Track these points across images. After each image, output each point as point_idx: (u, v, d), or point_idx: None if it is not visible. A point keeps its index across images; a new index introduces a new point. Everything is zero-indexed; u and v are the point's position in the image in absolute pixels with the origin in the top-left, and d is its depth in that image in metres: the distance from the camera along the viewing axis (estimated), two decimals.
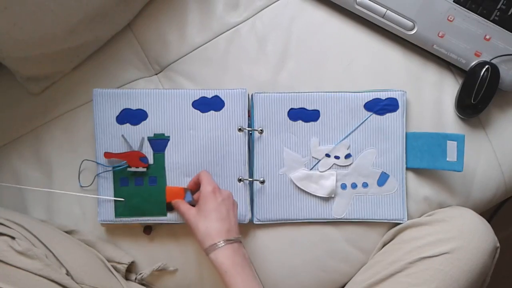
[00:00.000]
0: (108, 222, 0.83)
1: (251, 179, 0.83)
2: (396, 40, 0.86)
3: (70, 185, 0.85)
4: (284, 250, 0.84)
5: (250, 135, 0.83)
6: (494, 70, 0.81)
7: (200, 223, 0.72)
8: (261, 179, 0.83)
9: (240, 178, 0.82)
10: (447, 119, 0.84)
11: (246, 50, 0.87)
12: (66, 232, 0.83)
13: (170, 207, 0.81)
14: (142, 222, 0.83)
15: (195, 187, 0.80)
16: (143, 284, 0.84)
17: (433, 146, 0.80)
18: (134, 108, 0.82)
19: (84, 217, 0.85)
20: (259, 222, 0.84)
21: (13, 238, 0.72)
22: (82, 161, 0.85)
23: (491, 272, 0.77)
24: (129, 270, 0.84)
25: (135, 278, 0.83)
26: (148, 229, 0.84)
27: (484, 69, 0.81)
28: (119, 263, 0.81)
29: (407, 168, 0.83)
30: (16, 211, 0.81)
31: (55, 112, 0.87)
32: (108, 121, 0.82)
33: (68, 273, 0.73)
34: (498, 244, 0.76)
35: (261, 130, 0.83)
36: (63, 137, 0.87)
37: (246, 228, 0.84)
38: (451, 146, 0.78)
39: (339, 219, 0.83)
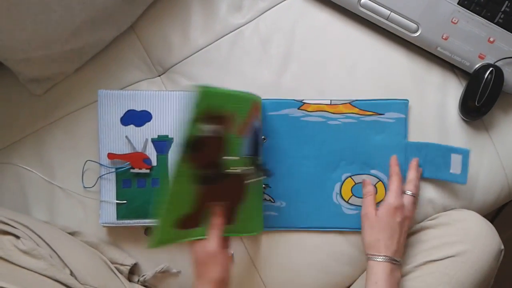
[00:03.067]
0: (110, 225, 0.82)
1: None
2: (399, 42, 0.86)
3: (72, 186, 0.85)
4: (288, 252, 0.84)
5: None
6: (498, 73, 0.80)
7: (374, 231, 0.73)
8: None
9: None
10: (451, 122, 0.84)
11: (249, 52, 0.87)
12: (69, 233, 0.83)
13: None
14: (144, 224, 0.82)
15: None
16: (146, 286, 0.84)
17: (436, 157, 0.80)
18: (138, 109, 0.82)
19: (86, 219, 0.85)
20: (265, 229, 0.84)
21: (17, 237, 0.72)
22: (86, 162, 0.84)
23: (495, 274, 0.76)
24: (132, 272, 0.84)
25: (138, 280, 0.83)
26: (149, 231, 0.84)
27: (488, 71, 0.80)
28: (122, 264, 0.81)
29: None
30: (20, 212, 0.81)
31: (58, 114, 0.87)
32: (112, 122, 0.82)
33: (72, 274, 0.73)
34: (502, 247, 0.76)
35: (263, 138, 0.82)
36: (65, 139, 0.86)
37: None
38: (456, 159, 0.79)
39: (350, 228, 0.83)
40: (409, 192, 0.76)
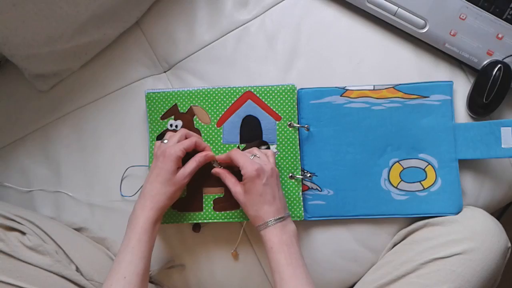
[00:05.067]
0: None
1: (302, 176, 0.82)
2: (407, 38, 0.85)
3: (77, 182, 0.85)
4: None
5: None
6: (506, 69, 0.80)
7: (249, 206, 0.73)
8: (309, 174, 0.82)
9: (291, 175, 0.81)
10: (459, 119, 0.84)
11: (255, 48, 0.87)
12: (75, 229, 0.83)
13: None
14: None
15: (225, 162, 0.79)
16: (151, 282, 0.84)
17: (485, 135, 0.78)
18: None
19: (92, 215, 0.85)
20: (313, 219, 0.83)
21: (23, 233, 0.72)
22: (127, 168, 0.85)
23: (502, 271, 0.76)
24: None
25: None
26: (197, 227, 0.84)
27: (496, 68, 0.80)
28: None
29: (459, 160, 0.81)
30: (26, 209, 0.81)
31: (64, 110, 0.87)
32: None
33: (77, 269, 0.74)
34: (509, 244, 0.75)
35: (307, 127, 0.82)
36: (71, 135, 0.87)
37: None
38: (506, 132, 0.76)
39: (400, 215, 0.82)
40: (256, 154, 0.75)
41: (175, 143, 0.74)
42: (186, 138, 0.77)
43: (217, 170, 0.79)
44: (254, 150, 0.77)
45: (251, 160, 0.73)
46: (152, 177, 0.73)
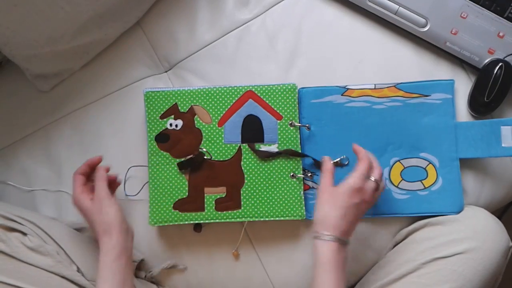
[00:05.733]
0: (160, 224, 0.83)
1: (303, 176, 0.81)
2: (408, 37, 0.85)
3: None
4: (294, 248, 0.84)
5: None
6: (507, 68, 0.80)
7: (326, 207, 0.69)
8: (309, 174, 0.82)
9: (293, 174, 0.81)
10: (460, 117, 0.83)
11: (256, 47, 0.87)
12: (76, 229, 0.83)
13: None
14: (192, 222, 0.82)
15: None
16: (152, 282, 0.84)
17: (486, 134, 0.78)
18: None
19: None
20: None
21: (24, 234, 0.72)
22: (129, 168, 0.84)
23: (503, 271, 0.76)
24: (139, 268, 0.84)
25: (145, 276, 0.83)
26: (198, 227, 0.84)
27: (498, 67, 0.80)
28: None
29: (460, 159, 0.81)
30: (27, 209, 0.81)
31: (65, 110, 0.87)
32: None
33: (79, 270, 0.74)
34: (511, 243, 0.75)
35: (308, 126, 0.81)
36: (72, 135, 0.87)
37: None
38: (506, 131, 0.76)
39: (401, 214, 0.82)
40: (372, 178, 0.71)
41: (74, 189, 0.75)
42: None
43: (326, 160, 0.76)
44: (376, 173, 0.72)
45: (364, 177, 0.70)
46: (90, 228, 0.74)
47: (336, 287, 0.66)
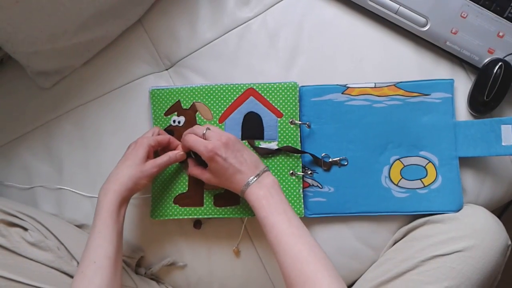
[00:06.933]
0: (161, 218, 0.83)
1: (303, 173, 0.82)
2: (408, 36, 0.85)
3: (80, 179, 0.86)
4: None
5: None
6: (507, 68, 0.80)
7: (224, 183, 0.74)
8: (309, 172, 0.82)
9: (292, 172, 0.81)
10: (459, 116, 0.84)
11: (256, 45, 0.87)
12: (76, 226, 0.83)
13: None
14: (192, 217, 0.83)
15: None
16: (152, 279, 0.84)
17: (486, 133, 0.78)
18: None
19: (93, 212, 0.85)
20: (313, 216, 0.83)
21: (25, 229, 0.72)
22: None
23: (502, 269, 0.76)
24: (139, 265, 0.85)
25: (145, 273, 0.84)
26: (198, 224, 0.85)
27: (497, 66, 0.80)
28: (129, 257, 0.82)
29: (460, 158, 0.81)
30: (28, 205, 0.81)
31: (66, 107, 0.87)
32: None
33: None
34: (510, 242, 0.75)
35: (308, 124, 0.82)
36: (73, 132, 0.87)
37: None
38: (506, 130, 0.76)
39: (400, 212, 0.82)
40: (204, 131, 0.75)
41: (150, 135, 0.76)
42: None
43: (188, 171, 0.80)
44: (197, 128, 0.77)
45: (202, 140, 0.74)
46: (120, 162, 0.74)
47: (270, 212, 0.69)
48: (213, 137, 0.73)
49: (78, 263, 0.74)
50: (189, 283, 0.85)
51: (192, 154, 0.80)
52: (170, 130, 0.82)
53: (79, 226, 0.83)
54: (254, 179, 0.72)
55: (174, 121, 0.82)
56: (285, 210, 0.69)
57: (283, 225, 0.68)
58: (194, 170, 0.78)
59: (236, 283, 0.85)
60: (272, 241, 0.67)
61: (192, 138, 0.75)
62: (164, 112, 0.82)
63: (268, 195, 0.70)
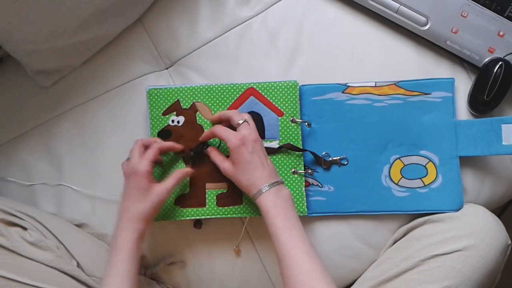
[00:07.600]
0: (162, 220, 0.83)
1: (305, 171, 0.82)
2: (408, 35, 0.85)
3: (79, 178, 0.86)
4: None
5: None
6: (507, 67, 0.80)
7: (240, 176, 0.73)
8: (310, 171, 0.82)
9: (294, 170, 0.81)
10: (460, 116, 0.84)
11: (257, 45, 0.87)
12: (76, 225, 0.83)
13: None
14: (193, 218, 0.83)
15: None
16: (152, 279, 0.84)
17: (486, 132, 0.78)
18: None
19: (93, 211, 0.85)
20: (313, 215, 0.83)
21: (25, 229, 0.72)
22: None
23: (502, 268, 0.76)
24: None
25: (145, 273, 0.84)
26: (198, 224, 0.85)
27: (498, 65, 0.80)
28: None
29: (460, 157, 0.81)
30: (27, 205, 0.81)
31: (65, 106, 0.87)
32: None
33: (78, 265, 0.74)
34: (510, 241, 0.76)
35: (308, 123, 0.82)
36: (73, 131, 0.87)
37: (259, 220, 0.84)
38: (507, 129, 0.77)
39: (400, 211, 0.82)
40: (240, 122, 0.74)
41: (140, 157, 0.74)
42: (145, 147, 0.77)
43: (208, 149, 0.79)
44: (235, 114, 0.76)
45: (233, 131, 0.73)
46: (127, 197, 0.73)
47: (286, 224, 0.69)
48: (245, 130, 0.73)
49: (77, 262, 0.74)
50: (189, 282, 0.85)
51: (192, 154, 0.80)
52: (168, 130, 0.81)
53: (79, 226, 0.83)
54: (273, 184, 0.71)
55: (172, 121, 0.82)
56: (300, 226, 0.70)
57: (298, 240, 0.68)
58: (217, 156, 0.77)
59: (236, 283, 0.85)
60: (284, 254, 0.67)
61: (222, 127, 0.75)
62: (162, 112, 0.82)
63: (285, 206, 0.70)
